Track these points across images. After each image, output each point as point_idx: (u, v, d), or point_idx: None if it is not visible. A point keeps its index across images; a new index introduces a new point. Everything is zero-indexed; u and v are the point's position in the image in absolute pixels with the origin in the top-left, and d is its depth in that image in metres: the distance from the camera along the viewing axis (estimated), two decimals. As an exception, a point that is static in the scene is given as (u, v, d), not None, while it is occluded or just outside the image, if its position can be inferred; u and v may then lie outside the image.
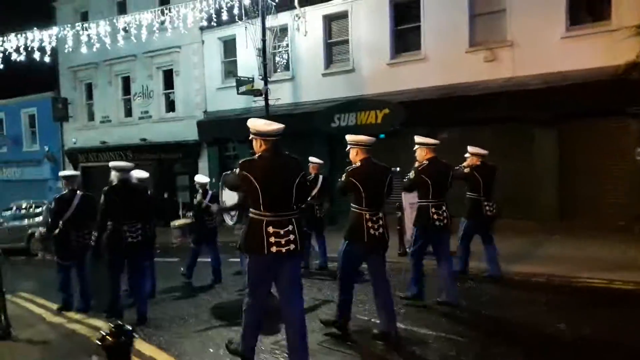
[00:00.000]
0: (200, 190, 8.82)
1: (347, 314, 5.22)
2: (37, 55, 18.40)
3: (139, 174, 7.58)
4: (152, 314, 6.54)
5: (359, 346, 5.05)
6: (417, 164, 5.97)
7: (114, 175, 6.24)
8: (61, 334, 6.31)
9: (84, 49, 17.69)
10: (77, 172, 7.67)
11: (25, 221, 15.62)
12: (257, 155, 4.09)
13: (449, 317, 5.84)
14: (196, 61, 18.37)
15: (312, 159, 8.69)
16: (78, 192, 6.96)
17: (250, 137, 4.16)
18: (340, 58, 15.52)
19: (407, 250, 9.40)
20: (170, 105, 19.55)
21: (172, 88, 19.27)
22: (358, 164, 5.05)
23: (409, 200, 9.67)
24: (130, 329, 2.55)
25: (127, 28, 16.48)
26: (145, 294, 6.51)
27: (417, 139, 6.10)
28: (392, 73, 14.28)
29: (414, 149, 6.12)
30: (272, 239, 3.90)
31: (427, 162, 5.90)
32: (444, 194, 6.01)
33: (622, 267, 7.84)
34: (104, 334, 2.46)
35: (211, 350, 5.12)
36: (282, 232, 3.93)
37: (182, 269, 8.86)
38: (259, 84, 16.23)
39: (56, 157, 22.60)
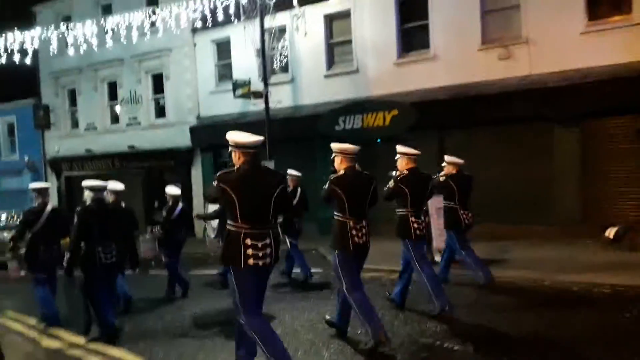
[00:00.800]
0: (170, 203, 8.52)
1: (377, 322, 4.80)
2: (17, 59, 17.48)
3: (114, 185, 7.52)
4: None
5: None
6: (397, 174, 5.95)
7: (87, 195, 6.05)
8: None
9: (69, 52, 16.90)
10: (48, 184, 7.59)
11: (5, 234, 14.54)
12: (235, 167, 4.03)
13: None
14: (188, 64, 17.54)
15: (290, 171, 8.73)
16: (48, 205, 6.81)
17: (229, 150, 4.10)
18: (343, 58, 14.87)
19: (435, 259, 8.77)
20: (160, 111, 18.65)
21: (162, 93, 18.38)
22: (342, 172, 5.02)
23: (436, 205, 9.01)
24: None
25: (114, 29, 15.63)
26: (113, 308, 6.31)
27: (399, 148, 6.07)
28: (400, 73, 13.67)
29: (396, 158, 6.06)
30: (250, 251, 3.90)
31: (407, 172, 5.88)
32: (422, 204, 6.08)
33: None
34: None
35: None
36: (259, 244, 3.93)
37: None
38: (256, 87, 15.57)
39: (38, 166, 21.44)
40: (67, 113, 20.79)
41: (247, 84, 16.05)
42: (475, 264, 7.03)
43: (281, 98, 15.32)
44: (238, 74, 16.24)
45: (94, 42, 16.58)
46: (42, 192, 6.91)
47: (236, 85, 15.78)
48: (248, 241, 3.89)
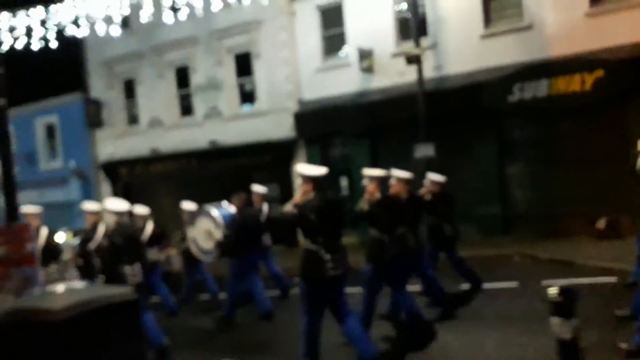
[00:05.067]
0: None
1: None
2: (55, 44, 14.31)
3: (139, 210, 8.22)
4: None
5: None
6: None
7: (109, 218, 6.14)
8: None
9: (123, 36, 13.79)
10: (40, 209, 7.53)
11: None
12: (310, 195, 4.70)
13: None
14: (285, 39, 14.52)
15: (256, 187, 8.73)
16: (43, 227, 6.96)
17: (300, 182, 4.82)
18: (506, 13, 12.01)
19: None
20: (247, 98, 15.58)
21: (249, 75, 15.32)
22: (377, 195, 5.61)
23: None
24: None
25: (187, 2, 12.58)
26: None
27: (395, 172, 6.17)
28: (594, 25, 10.85)
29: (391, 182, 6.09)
30: (329, 264, 4.55)
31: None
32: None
33: None
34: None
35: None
36: (335, 257, 4.60)
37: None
38: (381, 58, 12.85)
39: (86, 173, 18.16)
40: (122, 108, 17.54)
41: (370, 54, 13.17)
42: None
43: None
44: (355, 43, 13.31)
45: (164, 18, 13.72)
46: (36, 216, 7.08)
47: (362, 55, 12.86)
48: (327, 256, 4.55)
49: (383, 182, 5.76)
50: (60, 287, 2.73)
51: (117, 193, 17.61)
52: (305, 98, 14.45)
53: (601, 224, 10.35)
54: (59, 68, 17.66)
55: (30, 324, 2.42)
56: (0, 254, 3.86)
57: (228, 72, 15.49)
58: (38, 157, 19.32)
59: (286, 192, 13.83)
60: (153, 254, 8.14)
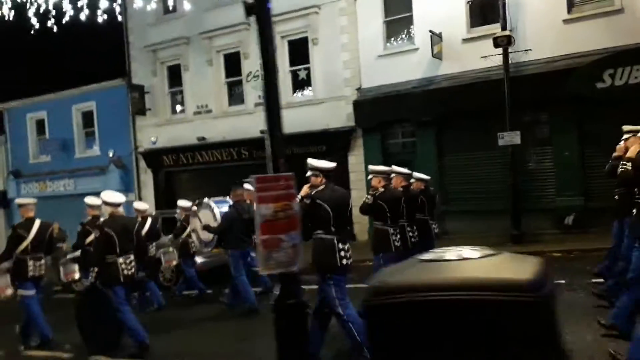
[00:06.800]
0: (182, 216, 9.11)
1: None
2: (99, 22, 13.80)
3: (139, 205, 8.73)
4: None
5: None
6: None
7: (104, 210, 6.23)
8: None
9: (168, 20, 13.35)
10: (34, 200, 7.17)
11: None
12: (321, 187, 4.85)
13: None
14: (345, 24, 13.96)
15: (247, 185, 8.32)
16: (36, 219, 6.79)
17: (309, 174, 4.91)
18: (593, -3, 11.45)
19: None
20: (301, 85, 15.00)
21: (305, 62, 14.74)
22: (381, 189, 5.93)
23: None
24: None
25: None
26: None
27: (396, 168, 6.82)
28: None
29: (391, 176, 6.42)
30: (342, 254, 4.78)
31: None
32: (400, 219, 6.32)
33: None
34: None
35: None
36: (346, 247, 4.85)
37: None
38: (450, 43, 12.29)
39: (124, 162, 17.56)
40: (167, 95, 16.96)
41: (440, 39, 12.59)
42: None
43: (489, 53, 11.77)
44: (422, 28, 12.73)
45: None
46: (29, 207, 6.82)
47: (434, 41, 12.27)
48: (340, 245, 4.77)
49: (387, 177, 6.10)
50: (427, 256, 2.29)
51: (159, 182, 17.06)
52: (364, 86, 13.86)
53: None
54: (99, 54, 17.14)
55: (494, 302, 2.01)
56: (266, 214, 2.84)
57: (281, 59, 14.88)
58: (73, 145, 18.70)
59: (341, 183, 13.25)
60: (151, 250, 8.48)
